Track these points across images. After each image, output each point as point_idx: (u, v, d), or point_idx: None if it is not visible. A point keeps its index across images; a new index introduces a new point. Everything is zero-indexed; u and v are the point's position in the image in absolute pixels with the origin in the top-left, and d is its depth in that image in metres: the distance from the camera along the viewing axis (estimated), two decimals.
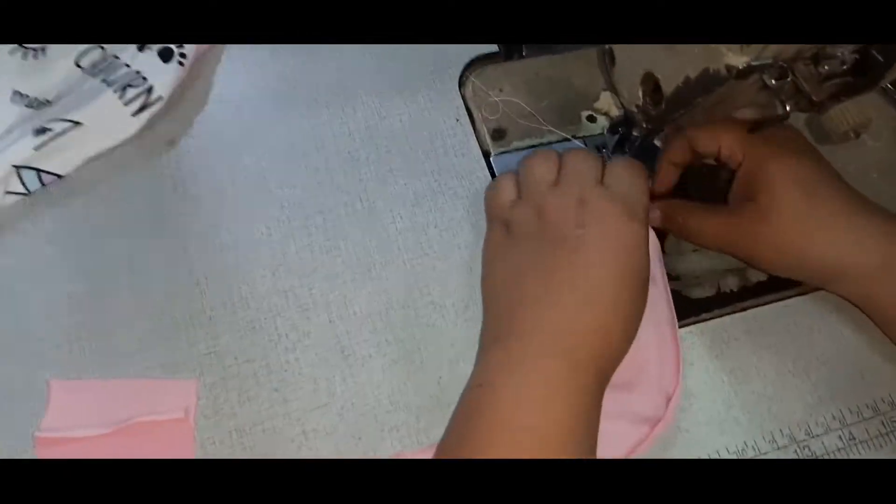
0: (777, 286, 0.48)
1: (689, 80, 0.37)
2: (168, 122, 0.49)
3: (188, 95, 0.50)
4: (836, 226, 0.41)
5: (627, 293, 0.39)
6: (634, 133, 0.47)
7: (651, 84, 0.40)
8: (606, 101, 0.53)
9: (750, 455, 0.43)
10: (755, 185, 0.42)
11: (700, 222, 0.45)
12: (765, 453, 0.43)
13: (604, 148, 0.50)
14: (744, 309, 0.47)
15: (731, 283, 0.48)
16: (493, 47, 0.54)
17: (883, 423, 0.45)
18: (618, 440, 0.41)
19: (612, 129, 0.50)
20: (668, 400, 0.43)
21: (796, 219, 0.41)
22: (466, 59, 0.53)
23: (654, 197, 0.46)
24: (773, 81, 0.34)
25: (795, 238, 0.41)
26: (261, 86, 0.51)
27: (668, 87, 0.39)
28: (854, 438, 0.44)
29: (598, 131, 0.52)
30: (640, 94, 0.41)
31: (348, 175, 0.49)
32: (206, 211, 0.46)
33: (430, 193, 0.49)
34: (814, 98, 0.33)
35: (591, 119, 0.53)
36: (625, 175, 0.42)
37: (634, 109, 0.42)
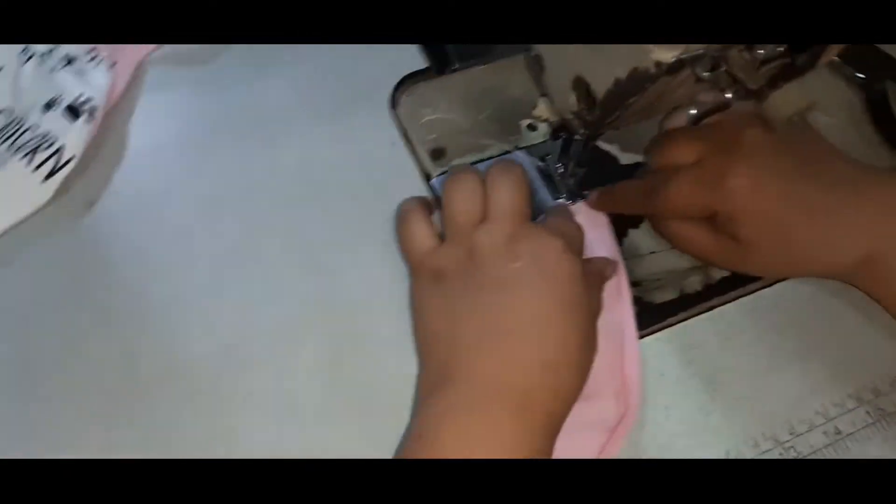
0: (741, 281, 0.46)
1: (619, 81, 0.34)
2: (84, 182, 0.46)
3: (103, 151, 0.47)
4: (816, 230, 0.39)
5: (572, 326, 0.36)
6: (576, 138, 0.44)
7: (583, 89, 0.38)
8: (545, 108, 0.50)
9: None
10: (728, 225, 0.40)
11: (685, 232, 0.43)
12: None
13: (548, 156, 0.48)
14: (710, 308, 0.45)
15: (695, 283, 0.46)
16: (423, 63, 0.51)
17: (868, 413, 0.42)
18: (583, 451, 0.39)
19: (554, 135, 0.47)
20: (627, 397, 0.41)
21: (780, 243, 0.39)
22: (395, 79, 0.51)
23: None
24: (706, 73, 0.32)
25: (784, 257, 0.40)
26: (179, 131, 0.48)
27: (600, 90, 0.36)
28: (840, 432, 0.42)
29: (541, 139, 0.50)
30: (573, 99, 0.39)
31: (282, 217, 0.46)
32: (132, 274, 0.43)
33: (372, 226, 0.46)
34: (750, 86, 0.31)
35: (532, 127, 0.50)
36: (560, 213, 0.42)
37: (570, 116, 0.40)
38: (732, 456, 0.41)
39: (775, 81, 0.32)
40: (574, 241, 0.40)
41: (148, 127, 0.48)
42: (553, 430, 0.36)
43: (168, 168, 0.47)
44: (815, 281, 0.46)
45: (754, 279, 0.46)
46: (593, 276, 0.41)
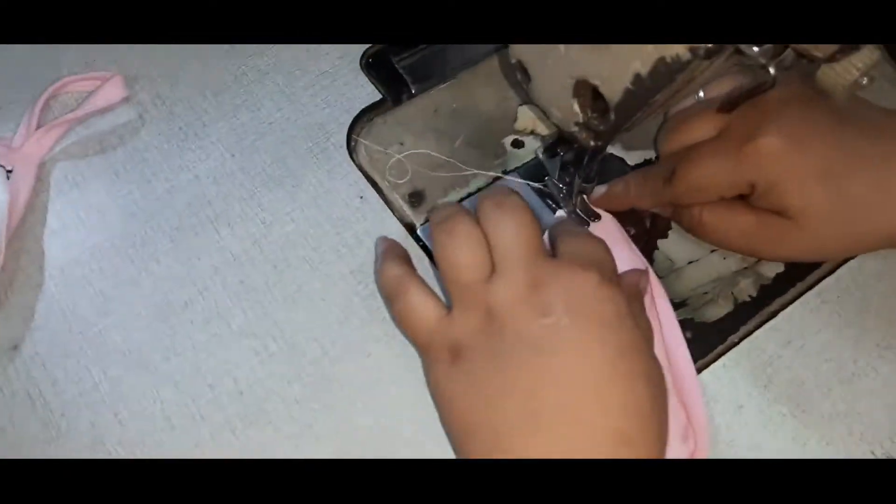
0: (798, 273, 0.39)
1: (640, 78, 0.27)
2: (2, 321, 0.37)
3: (17, 279, 0.38)
4: (873, 180, 0.33)
5: (636, 374, 0.29)
6: (576, 147, 0.37)
7: (589, 94, 0.30)
8: (528, 118, 0.43)
9: None
10: (774, 199, 0.33)
11: (720, 220, 0.36)
12: None
13: (545, 177, 0.41)
14: (773, 314, 0.38)
15: (747, 288, 0.39)
16: (377, 95, 0.44)
17: None
18: None
19: (549, 151, 0.39)
20: (691, 434, 0.34)
21: (835, 203, 0.33)
22: (348, 119, 0.43)
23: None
24: (756, 48, 0.25)
25: (843, 223, 0.33)
26: (104, 234, 0.39)
27: (611, 93, 0.29)
28: None
29: (531, 156, 0.43)
30: (577, 108, 0.31)
31: (248, 312, 0.38)
32: (83, 422, 0.35)
33: (357, 301, 0.38)
34: (818, 55, 0.24)
35: (518, 144, 0.43)
36: (575, 233, 0.34)
37: (575, 129, 0.32)
38: None
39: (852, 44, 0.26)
40: (605, 263, 0.32)
41: (66, 235, 0.39)
42: None
43: (99, 280, 0.38)
44: (878, 256, 0.39)
45: (811, 268, 0.39)
46: (633, 297, 0.34)
